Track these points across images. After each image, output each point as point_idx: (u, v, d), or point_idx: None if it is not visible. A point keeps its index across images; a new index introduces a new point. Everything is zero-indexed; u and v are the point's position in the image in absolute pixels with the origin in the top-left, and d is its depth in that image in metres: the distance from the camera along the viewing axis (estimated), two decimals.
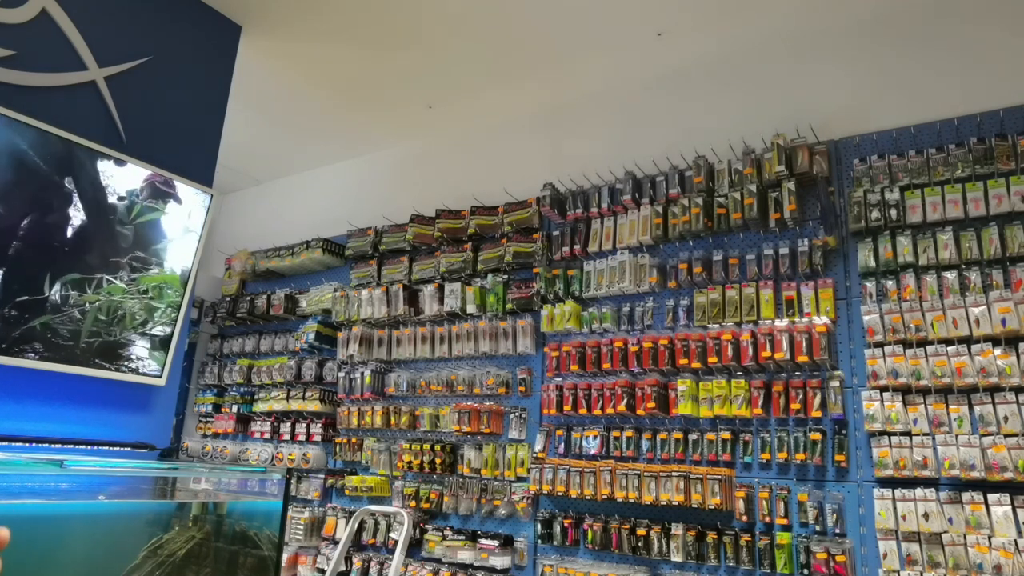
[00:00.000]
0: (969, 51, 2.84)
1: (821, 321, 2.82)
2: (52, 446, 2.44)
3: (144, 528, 1.92)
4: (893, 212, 2.78)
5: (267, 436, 4.56)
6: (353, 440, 4.18)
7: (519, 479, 3.51)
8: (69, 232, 2.54)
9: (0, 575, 0.80)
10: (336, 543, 3.85)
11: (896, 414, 2.61)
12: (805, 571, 2.64)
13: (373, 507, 3.67)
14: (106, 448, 2.62)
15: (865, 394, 2.68)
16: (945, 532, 2.44)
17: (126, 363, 2.70)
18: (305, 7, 3.27)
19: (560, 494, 3.23)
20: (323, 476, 4.24)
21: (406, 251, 4.27)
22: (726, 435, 2.96)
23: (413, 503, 3.80)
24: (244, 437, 4.76)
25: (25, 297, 2.42)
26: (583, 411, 3.27)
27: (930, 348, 2.59)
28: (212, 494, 2.39)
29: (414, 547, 3.71)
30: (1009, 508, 2.36)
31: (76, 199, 2.57)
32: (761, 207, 3.04)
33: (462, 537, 3.58)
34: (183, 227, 2.90)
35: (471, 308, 3.82)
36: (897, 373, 2.62)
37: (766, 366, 2.91)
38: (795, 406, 2.81)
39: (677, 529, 2.93)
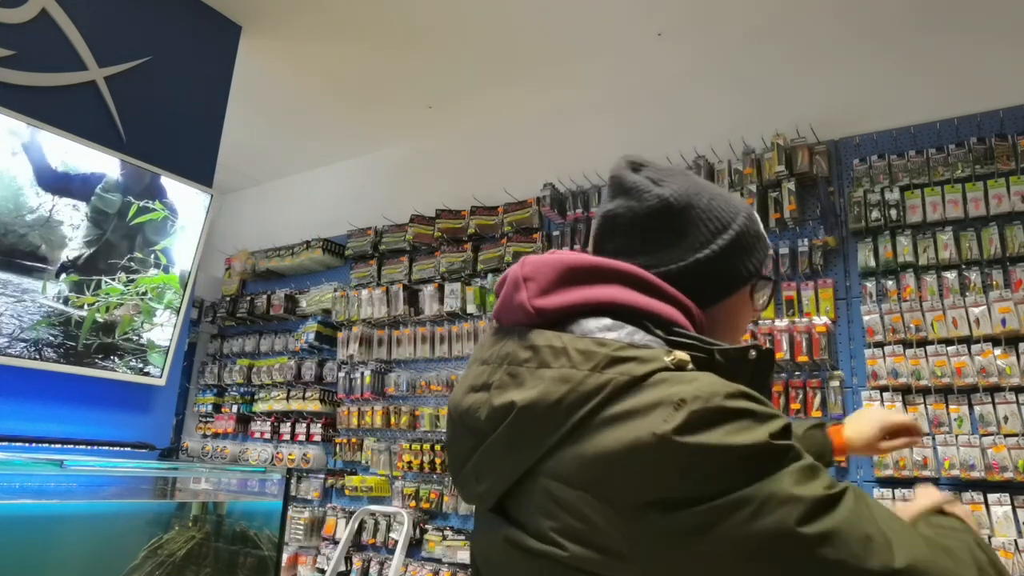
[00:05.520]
0: (969, 51, 2.84)
1: (821, 321, 2.82)
2: (52, 446, 2.44)
3: (144, 528, 1.92)
4: (893, 212, 2.77)
5: (267, 436, 4.55)
6: (353, 440, 4.18)
7: None
8: (67, 233, 2.54)
9: None
10: (336, 543, 3.85)
11: None
12: None
13: (373, 507, 3.66)
14: (106, 448, 2.61)
15: (865, 394, 2.68)
16: None
17: (126, 363, 2.70)
18: (305, 7, 3.27)
19: None
20: (323, 476, 4.23)
21: (406, 251, 4.27)
22: None
23: (413, 503, 3.80)
24: (244, 437, 4.76)
25: (24, 297, 2.42)
26: None
27: (930, 348, 2.59)
28: (212, 494, 2.40)
29: (414, 547, 3.71)
30: (1009, 508, 2.36)
31: (74, 200, 2.57)
32: (761, 207, 3.04)
33: (462, 537, 3.58)
34: (182, 227, 2.90)
35: (471, 308, 3.82)
36: (897, 373, 2.62)
37: None
38: (795, 406, 2.81)
39: None
